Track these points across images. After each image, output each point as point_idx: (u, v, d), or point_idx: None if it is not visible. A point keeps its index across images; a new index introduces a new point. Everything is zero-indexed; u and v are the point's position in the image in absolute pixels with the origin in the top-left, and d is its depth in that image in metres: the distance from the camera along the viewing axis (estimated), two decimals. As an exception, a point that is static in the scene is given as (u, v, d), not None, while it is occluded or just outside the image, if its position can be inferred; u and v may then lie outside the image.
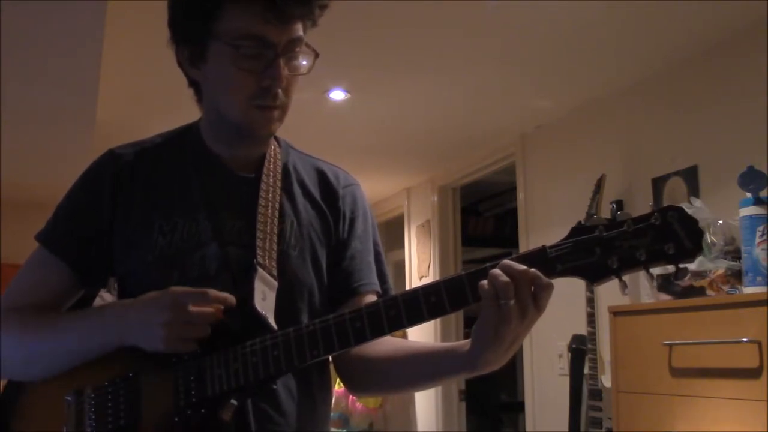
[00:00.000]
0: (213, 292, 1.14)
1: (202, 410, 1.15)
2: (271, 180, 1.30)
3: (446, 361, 1.18)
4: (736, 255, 2.25)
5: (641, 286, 2.65)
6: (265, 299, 1.19)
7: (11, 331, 1.24)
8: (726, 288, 2.24)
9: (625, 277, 1.04)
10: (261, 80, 1.19)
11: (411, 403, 5.41)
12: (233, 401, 1.14)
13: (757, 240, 2.11)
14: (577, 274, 1.04)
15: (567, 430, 3.30)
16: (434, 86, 3.52)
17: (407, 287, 5.39)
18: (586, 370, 3.21)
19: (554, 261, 1.04)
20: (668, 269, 1.03)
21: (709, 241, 2.30)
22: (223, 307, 1.15)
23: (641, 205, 3.27)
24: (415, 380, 1.28)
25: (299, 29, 1.21)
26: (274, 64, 1.19)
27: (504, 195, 5.60)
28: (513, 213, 4.54)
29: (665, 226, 1.00)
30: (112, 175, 1.28)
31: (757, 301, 2.02)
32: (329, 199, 1.34)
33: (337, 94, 3.59)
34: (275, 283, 1.22)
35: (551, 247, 1.05)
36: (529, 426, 4.07)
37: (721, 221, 2.32)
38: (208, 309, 1.13)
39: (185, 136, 1.34)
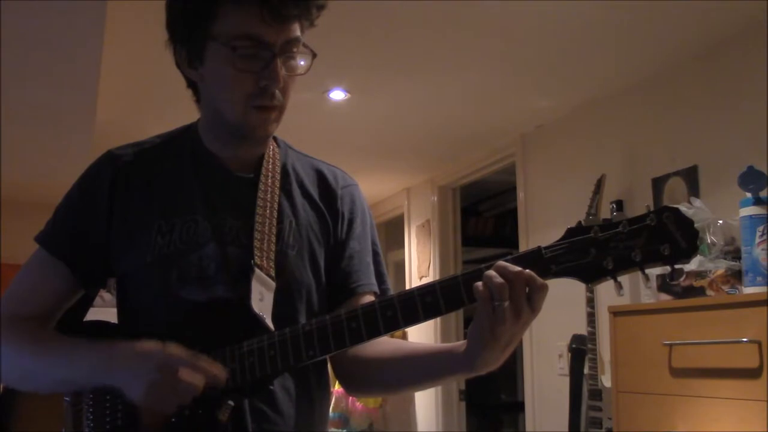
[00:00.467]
0: (203, 364, 1.12)
1: (199, 411, 1.14)
2: (269, 180, 1.30)
3: (443, 361, 1.18)
4: (736, 255, 2.25)
5: (641, 286, 2.65)
6: (262, 300, 1.19)
7: (10, 345, 1.24)
8: (726, 288, 2.24)
9: (624, 278, 1.04)
10: (258, 81, 1.19)
11: (411, 403, 5.41)
12: (230, 402, 1.14)
13: (757, 240, 2.11)
14: (572, 274, 1.05)
15: (567, 430, 3.30)
16: (434, 86, 3.52)
17: (407, 287, 5.38)
18: (586, 370, 3.21)
19: (549, 262, 1.04)
20: (665, 269, 1.03)
21: (709, 241, 2.30)
22: (210, 381, 1.12)
23: (641, 205, 3.25)
24: (412, 381, 1.29)
25: (296, 30, 1.21)
26: (272, 65, 1.19)
27: (504, 195, 5.60)
28: (513, 213, 4.54)
29: (661, 227, 1.01)
30: (110, 176, 1.28)
31: (757, 301, 2.02)
32: (328, 200, 1.34)
33: (337, 94, 3.59)
34: (273, 284, 1.22)
35: (546, 247, 1.05)
36: (529, 426, 4.07)
37: (721, 221, 2.32)
38: (196, 381, 1.10)
39: (184, 136, 1.34)
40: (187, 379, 1.10)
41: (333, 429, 5.13)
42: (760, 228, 2.11)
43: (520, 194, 4.23)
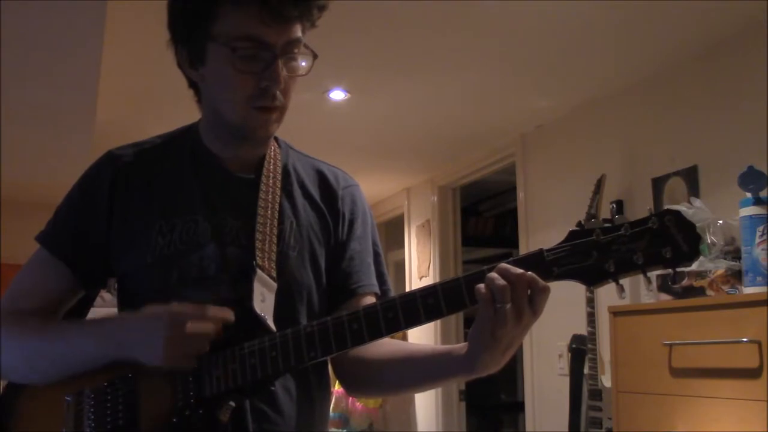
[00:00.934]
0: (212, 309, 1.14)
1: (200, 411, 1.15)
2: (270, 181, 1.30)
3: (444, 363, 1.18)
4: (736, 255, 2.25)
5: (641, 287, 2.65)
6: (264, 301, 1.19)
7: (12, 336, 1.24)
8: (726, 288, 2.24)
9: (624, 278, 1.04)
10: (259, 82, 1.19)
11: (411, 403, 5.41)
12: (231, 402, 1.14)
13: (757, 240, 2.11)
14: (574, 277, 1.04)
15: (567, 430, 3.30)
16: (434, 86, 3.52)
17: (407, 287, 5.40)
18: (586, 370, 3.21)
19: (551, 264, 1.04)
20: (667, 271, 1.03)
21: (709, 241, 2.30)
22: (221, 325, 1.15)
23: (641, 205, 3.27)
24: (413, 382, 1.29)
25: (297, 30, 1.21)
26: (272, 66, 1.18)
27: (504, 195, 5.60)
28: (513, 213, 4.54)
29: (663, 230, 1.01)
30: (110, 177, 1.28)
31: (757, 301, 2.02)
32: (329, 200, 1.34)
33: (337, 94, 3.59)
34: (274, 285, 1.22)
35: (548, 250, 1.05)
36: (529, 426, 4.07)
37: (721, 221, 2.32)
38: (208, 325, 1.13)
39: (185, 136, 1.34)
40: (198, 329, 1.12)
41: (333, 429, 5.13)
42: (760, 228, 2.11)
43: (520, 194, 4.23)
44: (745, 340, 2.00)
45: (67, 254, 1.27)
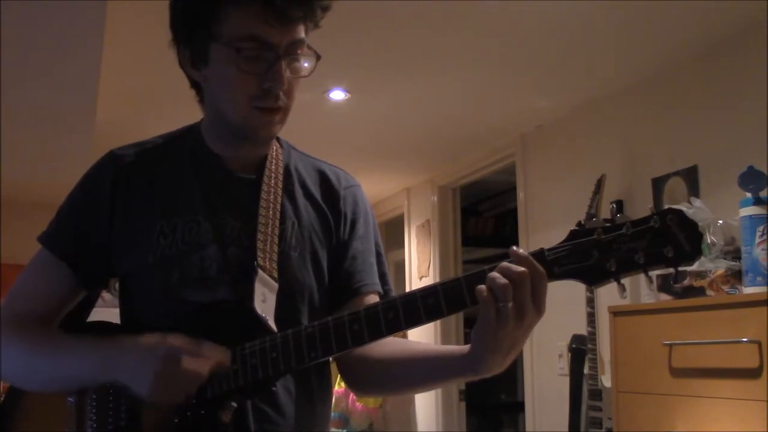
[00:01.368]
0: (206, 351, 1.13)
1: (202, 411, 1.15)
2: (272, 181, 1.30)
3: (448, 364, 1.17)
4: (736, 255, 2.25)
5: (641, 286, 2.65)
6: (265, 301, 1.19)
7: (12, 345, 1.24)
8: (726, 288, 2.24)
9: (625, 280, 1.04)
10: (262, 82, 1.19)
11: (411, 403, 5.41)
12: (232, 403, 1.14)
13: (757, 240, 2.11)
14: (575, 277, 1.04)
15: (567, 430, 3.30)
16: (434, 86, 3.52)
17: (407, 287, 5.40)
18: (586, 370, 3.21)
19: (552, 264, 1.04)
20: (669, 270, 1.03)
21: (709, 241, 2.30)
22: (215, 367, 1.13)
23: (641, 205, 3.27)
24: (417, 382, 1.28)
25: (301, 31, 1.21)
26: (276, 66, 1.18)
27: (504, 195, 5.60)
28: (513, 213, 4.54)
29: (664, 229, 1.00)
30: (112, 177, 1.28)
31: (757, 301, 2.02)
32: (330, 200, 1.34)
33: (337, 94, 3.59)
34: (275, 285, 1.22)
35: (549, 250, 1.05)
36: (529, 426, 4.07)
37: (721, 221, 2.32)
38: (201, 369, 1.11)
39: (186, 137, 1.34)
40: (191, 367, 1.11)
41: (333, 429, 5.12)
42: (760, 228, 2.11)
43: (520, 194, 4.22)
44: (745, 340, 2.00)
45: (68, 254, 1.27)
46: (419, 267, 5.38)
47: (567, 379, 3.37)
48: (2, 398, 1.30)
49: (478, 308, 1.04)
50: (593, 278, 1.04)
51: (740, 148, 2.78)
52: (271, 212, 1.27)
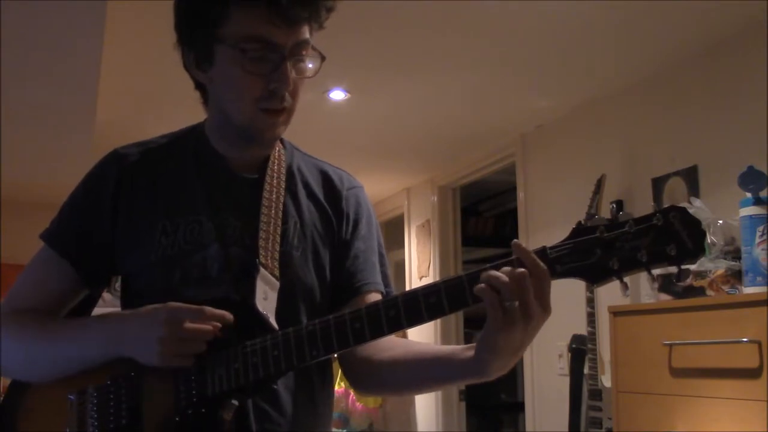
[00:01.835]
0: (209, 309, 1.14)
1: (203, 410, 1.15)
2: (275, 181, 1.30)
3: (453, 366, 1.16)
4: (736, 255, 2.25)
5: (641, 286, 2.65)
6: (266, 299, 1.19)
7: (12, 334, 1.24)
8: (726, 288, 2.24)
9: (626, 278, 1.03)
10: (268, 83, 1.19)
11: (411, 403, 5.41)
12: (233, 401, 1.14)
13: (757, 240, 2.11)
14: (577, 275, 1.04)
15: (567, 430, 3.30)
16: (434, 86, 3.52)
17: (407, 287, 5.40)
18: (586, 370, 3.21)
19: (554, 262, 1.03)
20: (670, 270, 1.02)
21: (709, 241, 2.30)
22: (219, 325, 1.14)
23: (641, 205, 3.27)
24: (421, 383, 1.28)
25: (305, 32, 1.21)
26: (281, 67, 1.18)
27: (504, 195, 5.60)
28: (513, 213, 4.54)
29: (667, 227, 0.99)
30: (115, 176, 1.28)
31: (757, 301, 2.02)
32: (333, 201, 1.34)
33: (337, 94, 3.59)
34: (277, 284, 1.22)
35: (551, 248, 1.04)
36: (529, 426, 4.07)
37: (721, 221, 2.32)
38: (205, 326, 1.13)
39: (190, 137, 1.34)
40: (195, 326, 1.12)
41: (333, 429, 5.12)
42: (760, 228, 2.11)
43: (520, 194, 4.23)
44: (745, 340, 2.00)
45: (71, 252, 1.27)
46: (419, 267, 5.38)
47: (567, 379, 3.37)
48: (2, 398, 1.30)
49: (485, 310, 1.04)
50: (596, 276, 1.03)
51: (740, 148, 2.78)
52: (273, 211, 1.27)
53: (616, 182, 3.39)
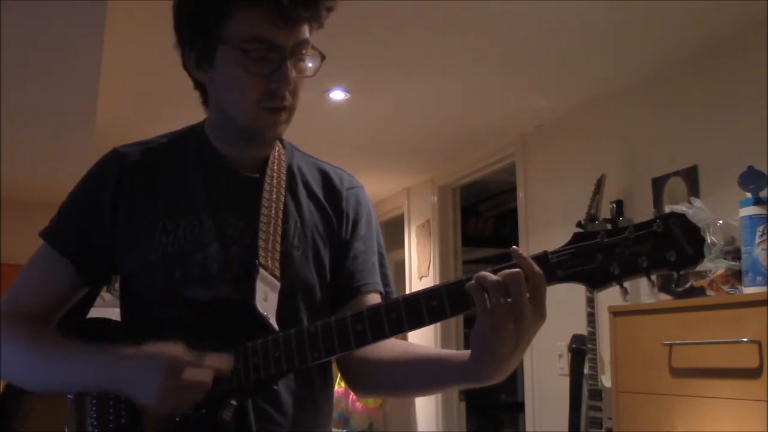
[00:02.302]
0: (209, 358, 1.12)
1: (203, 410, 1.15)
2: (275, 181, 1.30)
3: (451, 370, 1.16)
4: (736, 255, 2.25)
5: (641, 287, 2.65)
6: (266, 300, 1.19)
7: (12, 344, 1.23)
8: (726, 288, 2.24)
9: (626, 283, 1.04)
10: (269, 83, 1.19)
11: (411, 403, 5.41)
12: (233, 401, 1.14)
13: (757, 240, 2.11)
14: (578, 280, 1.04)
15: (567, 430, 3.30)
16: (434, 86, 3.52)
17: (407, 287, 5.40)
18: (586, 370, 3.21)
19: (555, 267, 1.04)
20: (670, 274, 1.03)
21: (709, 241, 2.30)
22: (218, 375, 1.13)
23: (641, 205, 3.28)
24: (419, 386, 1.28)
25: (306, 31, 1.21)
26: (282, 67, 1.19)
27: (504, 195, 5.60)
28: (513, 213, 4.54)
29: (667, 233, 1.00)
30: (116, 175, 1.28)
31: (757, 301, 2.02)
32: (333, 201, 1.34)
33: (337, 94, 3.59)
34: (277, 284, 1.22)
35: (553, 252, 1.05)
36: (529, 426, 4.07)
37: (721, 221, 2.32)
38: (204, 377, 1.11)
39: (190, 136, 1.34)
40: (195, 378, 1.10)
41: (333, 429, 5.12)
42: (760, 228, 2.11)
43: (520, 194, 4.23)
44: (745, 340, 2.00)
45: (71, 251, 1.27)
46: (419, 267, 5.38)
47: (567, 379, 3.37)
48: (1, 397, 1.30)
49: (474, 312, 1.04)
50: (596, 281, 1.04)
51: (740, 148, 2.78)
52: (273, 211, 1.27)
53: (616, 182, 3.39)
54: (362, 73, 3.36)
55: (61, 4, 2.45)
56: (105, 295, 1.40)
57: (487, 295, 1.02)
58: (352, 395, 5.29)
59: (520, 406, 4.52)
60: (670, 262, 1.00)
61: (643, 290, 2.60)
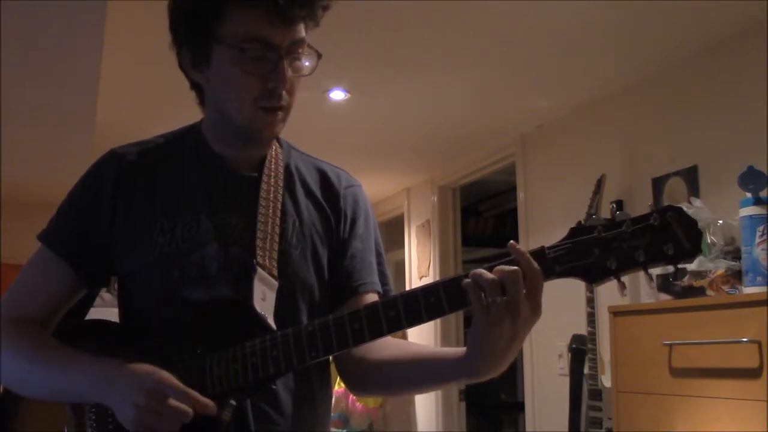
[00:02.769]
0: (194, 394, 1.11)
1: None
2: (272, 180, 1.30)
3: (448, 367, 1.17)
4: (736, 255, 2.25)
5: (641, 286, 2.65)
6: (264, 299, 1.19)
7: (11, 352, 1.23)
8: (726, 288, 2.24)
9: (625, 278, 1.04)
10: (266, 82, 1.19)
11: (411, 403, 5.41)
12: (232, 401, 1.14)
13: (757, 240, 2.11)
14: (575, 275, 1.04)
15: (567, 430, 3.30)
16: (434, 86, 3.52)
17: (407, 287, 5.40)
18: (586, 370, 3.21)
19: (553, 262, 1.04)
20: (667, 269, 1.03)
21: (709, 241, 2.30)
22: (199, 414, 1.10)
23: (641, 205, 3.27)
24: (416, 384, 1.28)
25: (301, 30, 1.21)
26: (279, 66, 1.19)
27: (504, 195, 5.60)
28: (513, 213, 4.54)
29: (664, 227, 1.00)
30: (113, 175, 1.28)
31: (757, 301, 2.02)
32: (331, 200, 1.34)
33: (337, 94, 3.59)
34: (275, 283, 1.22)
35: (550, 247, 1.05)
36: (529, 426, 4.07)
37: (721, 221, 2.32)
38: (185, 407, 1.09)
39: (187, 136, 1.34)
40: (176, 406, 1.08)
41: (333, 429, 5.12)
42: (760, 228, 2.11)
43: (520, 194, 4.23)
44: (745, 340, 2.00)
45: (69, 253, 1.27)
46: (419, 267, 5.38)
47: (567, 379, 3.37)
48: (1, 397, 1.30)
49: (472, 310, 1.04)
50: (594, 276, 1.04)
51: (740, 148, 2.78)
52: (271, 210, 1.27)
53: (616, 182, 3.39)
54: (362, 73, 3.36)
55: (61, 4, 2.45)
56: (105, 294, 1.39)
57: (483, 293, 1.02)
58: (352, 395, 5.29)
59: (520, 406, 4.52)
60: (668, 255, 1.00)
61: (643, 290, 2.60)
